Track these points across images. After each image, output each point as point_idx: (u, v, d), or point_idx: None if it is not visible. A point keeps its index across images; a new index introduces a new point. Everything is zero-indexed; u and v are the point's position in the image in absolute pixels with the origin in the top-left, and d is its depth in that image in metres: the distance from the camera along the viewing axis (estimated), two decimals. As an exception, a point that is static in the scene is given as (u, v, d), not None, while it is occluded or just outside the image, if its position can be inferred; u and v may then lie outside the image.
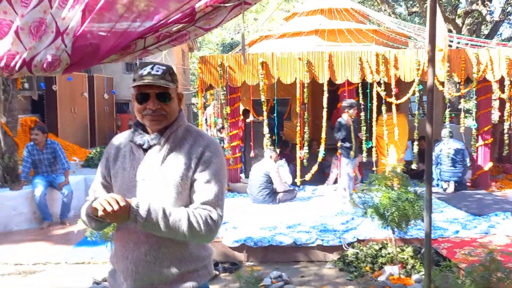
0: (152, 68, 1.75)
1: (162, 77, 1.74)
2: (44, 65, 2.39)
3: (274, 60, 6.96)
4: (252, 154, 7.58)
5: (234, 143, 7.49)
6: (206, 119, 10.33)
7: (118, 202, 1.56)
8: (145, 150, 1.78)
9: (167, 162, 1.74)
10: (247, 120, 8.29)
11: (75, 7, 2.48)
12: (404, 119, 7.66)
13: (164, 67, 1.77)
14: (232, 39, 25.07)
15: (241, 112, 8.43)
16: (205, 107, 9.25)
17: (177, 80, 1.84)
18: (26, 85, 9.80)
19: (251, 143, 7.59)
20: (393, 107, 7.05)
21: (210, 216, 1.67)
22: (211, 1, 2.58)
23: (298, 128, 7.15)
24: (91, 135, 12.18)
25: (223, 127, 8.72)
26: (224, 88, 7.21)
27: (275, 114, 7.76)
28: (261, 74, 6.86)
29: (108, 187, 1.89)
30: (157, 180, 1.73)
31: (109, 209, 1.55)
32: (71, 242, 5.46)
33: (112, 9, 2.56)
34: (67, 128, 11.20)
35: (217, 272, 4.59)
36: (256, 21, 21.17)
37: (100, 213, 1.56)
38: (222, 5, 2.66)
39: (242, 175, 7.91)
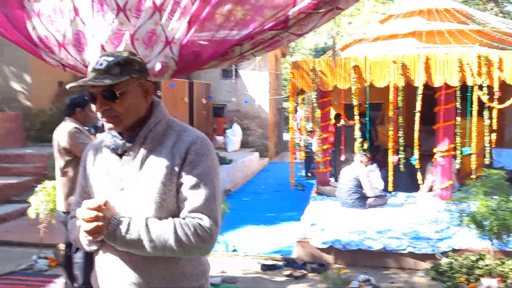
0: (96, 62, 1.45)
1: (106, 71, 1.43)
2: (155, 72, 2.71)
3: (367, 63, 6.88)
4: (342, 158, 7.56)
5: (324, 147, 7.53)
6: (297, 123, 10.48)
7: (97, 209, 1.37)
8: (121, 155, 1.52)
9: (146, 167, 1.48)
10: (338, 124, 8.28)
11: (181, 19, 2.76)
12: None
13: (111, 58, 1.45)
14: (325, 43, 25.00)
15: (332, 116, 8.44)
16: (296, 111, 9.41)
17: (138, 69, 1.50)
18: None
19: (342, 147, 7.57)
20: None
21: (200, 225, 1.41)
22: (304, 8, 2.71)
23: (391, 132, 6.99)
24: (190, 137, 12.97)
25: (312, 131, 8.79)
26: (316, 93, 7.29)
27: (366, 119, 7.66)
28: (353, 78, 6.82)
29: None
30: (136, 189, 1.47)
31: (86, 216, 1.36)
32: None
33: (212, 19, 2.81)
34: (169, 131, 12.06)
35: (305, 272, 4.69)
36: (350, 24, 20.94)
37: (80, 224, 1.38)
38: (314, 11, 2.78)
39: (332, 179, 7.91)
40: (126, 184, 1.49)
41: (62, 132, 3.75)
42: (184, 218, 1.44)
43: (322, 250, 5.04)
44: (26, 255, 5.06)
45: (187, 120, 12.89)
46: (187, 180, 1.45)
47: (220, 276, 4.48)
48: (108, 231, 1.38)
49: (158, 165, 1.46)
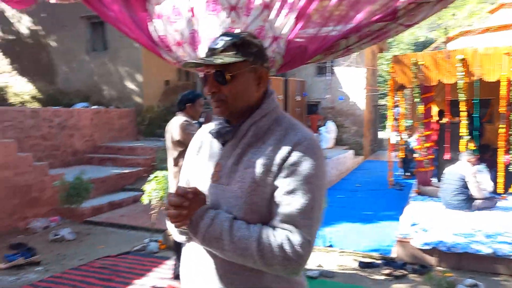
0: (214, 41, 1.36)
1: (221, 51, 1.32)
2: (264, 66, 2.84)
3: (476, 56, 6.42)
4: (447, 156, 7.15)
5: (427, 145, 7.17)
6: (396, 119, 10.10)
7: (184, 195, 1.27)
8: (224, 145, 1.40)
9: (243, 162, 1.32)
10: (442, 121, 7.83)
11: (289, 15, 2.84)
12: None
13: (228, 38, 1.34)
14: (426, 37, 23.69)
15: (435, 113, 8.01)
16: (395, 107, 9.07)
17: (255, 52, 1.35)
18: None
19: (446, 145, 7.16)
20: None
21: (288, 239, 1.21)
22: (414, -2, 2.64)
23: (502, 130, 6.45)
24: (283, 134, 13.17)
25: (411, 128, 8.41)
26: (417, 88, 6.98)
27: (475, 115, 7.15)
28: (461, 72, 6.41)
29: None
30: (230, 184, 1.32)
31: (171, 202, 1.27)
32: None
33: (319, 13, 2.86)
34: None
35: (406, 272, 4.54)
36: (453, 16, 19.60)
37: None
38: (425, 1, 2.70)
39: (434, 179, 7.51)
40: (221, 176, 1.35)
41: (175, 126, 4.07)
42: (274, 228, 1.25)
43: (424, 251, 4.84)
44: (139, 237, 5.54)
45: (281, 117, 13.08)
46: (284, 184, 1.26)
47: (318, 270, 4.51)
48: (191, 222, 1.27)
49: (255, 162, 1.29)
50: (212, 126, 1.45)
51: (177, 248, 4.23)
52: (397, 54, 7.87)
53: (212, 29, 2.86)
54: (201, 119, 4.37)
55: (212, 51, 1.33)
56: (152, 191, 5.20)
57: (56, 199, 6.41)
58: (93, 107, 10.40)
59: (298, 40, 2.91)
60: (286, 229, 1.23)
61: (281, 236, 1.22)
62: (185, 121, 4.05)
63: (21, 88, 12.18)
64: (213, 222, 1.26)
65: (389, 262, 4.85)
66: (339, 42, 2.90)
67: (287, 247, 1.20)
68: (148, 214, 5.37)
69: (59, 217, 6.33)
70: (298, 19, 2.83)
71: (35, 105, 11.75)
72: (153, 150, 8.90)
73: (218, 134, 1.39)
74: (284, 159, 1.28)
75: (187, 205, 1.26)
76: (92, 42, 11.32)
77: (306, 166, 1.27)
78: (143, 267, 4.63)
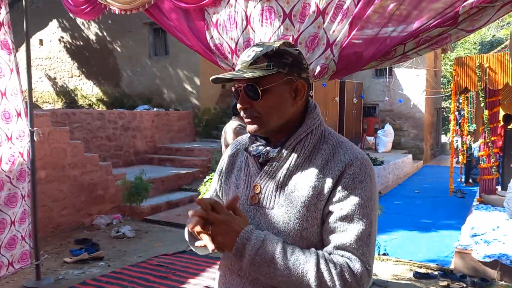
0: (245, 52, 1.24)
1: (252, 63, 1.20)
2: (316, 73, 2.84)
3: (549, 57, 5.99)
4: (513, 164, 6.74)
5: (492, 151, 6.80)
6: (459, 124, 9.66)
7: (216, 214, 1.11)
8: (263, 164, 1.27)
9: (289, 184, 1.22)
10: (509, 127, 7.39)
11: (343, 21, 2.82)
12: None
13: (260, 49, 1.21)
14: (493, 36, 22.38)
15: (501, 118, 7.57)
16: (458, 111, 8.68)
17: (290, 62, 1.22)
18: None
19: (513, 152, 6.75)
20: None
21: (348, 267, 1.12)
22: (477, 2, 2.53)
23: None
24: (339, 136, 13.01)
25: (474, 133, 8.00)
26: (482, 91, 6.64)
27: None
28: (531, 75, 6.02)
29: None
30: (273, 209, 1.22)
31: (197, 224, 1.10)
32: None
33: (375, 18, 2.81)
34: (319, 130, 12.27)
35: (464, 285, 4.34)
36: (526, 13, 18.36)
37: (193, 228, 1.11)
38: (489, 4, 2.58)
39: (499, 187, 7.11)
40: (262, 199, 1.24)
41: (228, 130, 4.16)
42: (329, 254, 1.15)
43: (485, 264, 4.59)
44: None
45: (337, 120, 12.93)
46: (338, 209, 1.16)
47: (371, 278, 4.42)
48: (236, 245, 1.11)
49: (303, 185, 1.19)
50: (246, 141, 1.34)
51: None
52: (461, 55, 7.53)
53: (266, 37, 2.91)
54: None
55: (244, 63, 1.22)
56: (207, 192, 5.33)
57: (118, 197, 6.76)
58: (154, 109, 10.84)
59: (355, 41, 2.87)
60: (344, 256, 1.13)
61: (341, 263, 1.12)
62: (239, 125, 4.12)
63: (89, 91, 12.94)
64: (263, 244, 1.12)
65: (447, 273, 4.65)
66: (396, 48, 2.84)
67: (348, 275, 1.10)
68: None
69: (121, 215, 6.66)
70: (352, 24, 2.81)
71: (101, 107, 12.44)
72: (209, 152, 9.11)
73: (257, 153, 1.26)
74: (336, 182, 1.17)
75: (227, 220, 1.12)
76: (154, 47, 11.80)
77: (361, 189, 1.17)
78: (198, 266, 4.77)
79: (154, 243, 5.60)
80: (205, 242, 1.09)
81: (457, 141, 8.78)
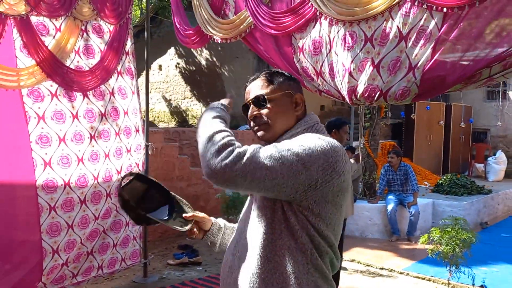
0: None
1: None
2: (397, 95, 2.96)
3: None
4: None
5: None
6: None
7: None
8: None
9: None
10: None
11: (426, 45, 2.92)
12: None
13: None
14: None
15: None
16: None
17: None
18: (389, 114, 11.06)
19: None
20: None
21: (236, 147, 1.24)
22: None
23: None
24: (443, 162, 12.33)
25: None
26: None
27: None
28: None
29: None
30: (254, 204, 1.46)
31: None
32: (415, 258, 5.90)
33: (461, 40, 2.86)
34: (422, 154, 11.79)
35: None
36: None
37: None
38: None
39: None
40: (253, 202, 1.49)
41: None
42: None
43: None
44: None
45: (441, 145, 12.31)
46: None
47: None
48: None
49: None
50: None
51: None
52: None
53: (348, 60, 3.12)
54: (355, 143, 4.56)
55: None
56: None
57: (218, 209, 7.28)
58: (255, 129, 11.39)
59: (436, 69, 2.94)
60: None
61: (234, 143, 1.26)
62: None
63: (199, 111, 14.05)
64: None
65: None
66: (481, 72, 2.86)
67: (229, 148, 1.23)
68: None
69: (219, 226, 7.16)
70: (435, 48, 2.89)
71: (208, 126, 13.38)
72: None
73: None
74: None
75: None
76: (257, 71, 12.48)
77: (301, 137, 1.35)
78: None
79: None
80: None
81: None
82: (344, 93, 3.14)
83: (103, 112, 4.14)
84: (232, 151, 1.21)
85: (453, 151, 12.47)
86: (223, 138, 1.26)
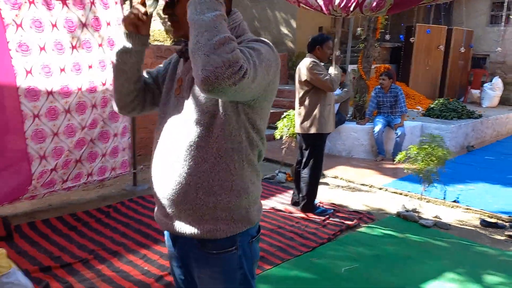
0: None
1: None
2: (372, 6, 2.93)
3: None
4: None
5: None
6: None
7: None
8: (185, 61, 1.48)
9: None
10: None
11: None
12: None
13: None
14: None
15: None
16: None
17: None
18: (387, 37, 10.83)
19: None
20: None
21: (242, 63, 1.15)
22: None
23: None
24: (440, 88, 12.29)
25: None
26: None
27: None
28: None
29: (151, 81, 1.62)
30: (189, 98, 1.40)
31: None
32: (395, 176, 6.13)
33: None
34: (419, 80, 11.73)
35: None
36: None
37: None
38: None
39: None
40: (182, 90, 1.44)
41: (302, 66, 4.39)
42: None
43: None
44: (271, 168, 6.17)
45: (439, 69, 12.19)
46: None
47: (432, 220, 4.50)
48: None
49: None
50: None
51: (296, 178, 4.70)
52: None
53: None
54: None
55: None
56: (283, 127, 5.69)
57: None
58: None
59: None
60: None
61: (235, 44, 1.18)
62: (312, 61, 4.32)
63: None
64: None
65: (517, 225, 4.53)
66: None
67: (239, 64, 1.14)
68: (280, 148, 5.90)
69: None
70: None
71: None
72: (298, 94, 9.36)
73: (180, 52, 1.49)
74: None
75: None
76: (255, -12, 12.01)
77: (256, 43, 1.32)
78: (269, 192, 5.24)
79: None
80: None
81: None
82: (321, 2, 3.10)
83: (83, 21, 4.10)
84: (239, 67, 1.13)
85: (451, 76, 12.37)
86: (233, 50, 1.15)
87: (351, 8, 2.96)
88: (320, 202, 4.77)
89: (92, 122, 4.36)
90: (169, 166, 1.41)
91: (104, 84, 4.42)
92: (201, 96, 1.35)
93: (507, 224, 4.58)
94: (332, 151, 7.32)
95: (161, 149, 1.46)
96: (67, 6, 3.93)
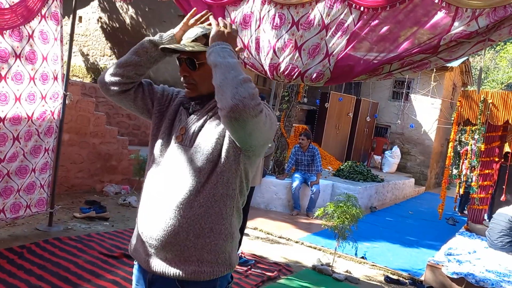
0: (191, 31, 1.59)
1: (193, 40, 1.54)
2: (313, 77, 3.30)
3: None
4: (502, 198, 7.05)
5: (484, 183, 7.13)
6: (459, 154, 9.95)
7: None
8: (190, 115, 1.60)
9: (205, 127, 1.53)
10: (504, 164, 7.69)
11: (342, 37, 3.29)
12: None
13: (201, 30, 1.56)
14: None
15: (499, 153, 7.87)
16: (459, 142, 8.99)
17: None
18: (305, 100, 11.70)
19: (504, 187, 7.07)
20: None
21: (256, 92, 1.32)
22: (456, 36, 2.97)
23: None
24: (347, 150, 13.39)
25: (474, 167, 8.30)
26: (483, 126, 6.98)
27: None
28: (528, 116, 6.36)
29: (143, 97, 1.72)
30: (191, 146, 1.51)
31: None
32: (310, 230, 6.50)
33: (369, 39, 3.27)
34: (330, 141, 12.68)
35: (429, 297, 4.72)
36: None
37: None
38: (466, 40, 3.01)
39: (486, 217, 7.42)
40: (185, 139, 1.53)
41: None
42: None
43: (453, 280, 4.94)
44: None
45: (347, 134, 13.31)
46: None
47: (344, 275, 4.84)
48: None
49: (212, 131, 1.49)
50: (183, 98, 1.67)
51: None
52: (487, 90, 7.84)
53: (274, 38, 3.39)
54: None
55: (187, 40, 1.56)
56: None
57: (130, 170, 7.30)
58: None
59: (347, 59, 3.33)
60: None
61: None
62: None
63: (118, 72, 13.58)
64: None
65: (416, 283, 5.03)
66: (383, 66, 3.30)
67: (258, 98, 1.31)
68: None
69: (129, 186, 7.19)
70: (349, 41, 3.27)
71: (127, 88, 13.03)
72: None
73: (187, 105, 1.61)
74: None
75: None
76: (184, 39, 12.36)
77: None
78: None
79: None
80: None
81: (455, 170, 9.09)
82: (267, 68, 3.41)
83: (18, 53, 3.99)
84: (259, 102, 1.31)
85: (357, 141, 13.55)
86: (255, 88, 1.33)
87: (294, 77, 3.29)
88: (242, 253, 4.89)
89: (12, 155, 4.14)
90: (163, 208, 1.46)
91: (30, 118, 4.26)
92: (208, 146, 1.46)
93: (407, 281, 5.06)
94: (252, 203, 7.53)
95: (157, 192, 1.51)
96: (2, 36, 3.82)
